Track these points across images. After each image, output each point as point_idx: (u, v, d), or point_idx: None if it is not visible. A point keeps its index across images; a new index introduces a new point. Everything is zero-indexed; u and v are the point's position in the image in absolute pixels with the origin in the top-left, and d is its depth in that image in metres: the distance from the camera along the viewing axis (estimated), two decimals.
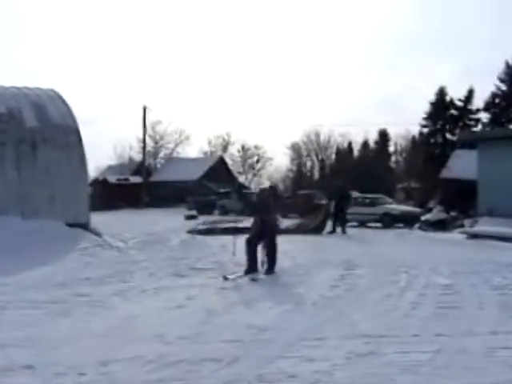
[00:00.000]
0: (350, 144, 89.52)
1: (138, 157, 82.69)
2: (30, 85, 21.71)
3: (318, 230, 24.69)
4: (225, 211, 47.41)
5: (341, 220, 25.20)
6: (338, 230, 24.86)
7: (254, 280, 12.16)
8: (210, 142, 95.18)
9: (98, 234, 18.84)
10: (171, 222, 32.46)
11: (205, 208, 48.04)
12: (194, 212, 43.41)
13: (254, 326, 8.12)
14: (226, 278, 12.19)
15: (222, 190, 53.96)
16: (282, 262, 13.71)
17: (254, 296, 10.72)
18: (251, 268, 12.96)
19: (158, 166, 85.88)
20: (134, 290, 11.17)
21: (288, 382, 5.69)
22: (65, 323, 8.37)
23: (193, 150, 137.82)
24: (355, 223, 31.06)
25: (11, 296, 10.33)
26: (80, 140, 19.90)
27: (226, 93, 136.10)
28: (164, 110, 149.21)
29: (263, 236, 13.30)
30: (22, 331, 7.77)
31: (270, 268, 13.06)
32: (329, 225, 25.18)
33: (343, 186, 29.35)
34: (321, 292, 11.06)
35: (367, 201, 34.42)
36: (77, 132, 19.96)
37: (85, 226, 18.77)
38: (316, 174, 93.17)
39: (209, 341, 7.28)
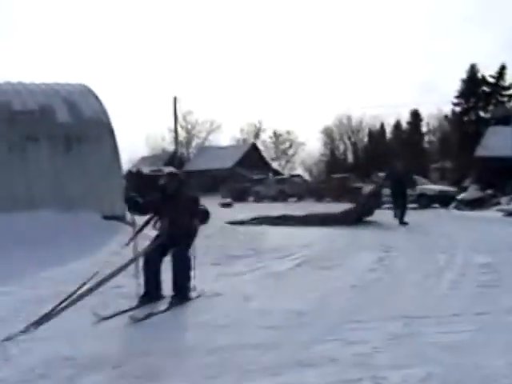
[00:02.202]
0: (382, 126, 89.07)
1: (170, 147, 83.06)
2: (60, 80, 21.86)
3: (363, 215, 21.79)
4: (259, 197, 47.51)
5: (400, 207, 21.44)
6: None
7: (136, 319, 7.84)
8: (241, 130, 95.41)
9: (134, 226, 18.88)
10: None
11: (239, 195, 48.15)
12: (228, 199, 43.48)
13: (293, 310, 8.11)
14: (99, 316, 8.01)
15: (255, 177, 54.07)
16: (318, 245, 13.67)
17: (291, 282, 10.72)
18: (148, 294, 9.00)
19: (191, 155, 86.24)
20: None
21: (329, 366, 5.65)
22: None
23: (225, 138, 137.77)
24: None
25: (50, 289, 10.39)
26: (112, 133, 19.97)
27: (255, 80, 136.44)
28: (194, 100, 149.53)
29: (169, 248, 9.16)
30: (61, 324, 7.81)
31: (181, 294, 8.94)
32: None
33: (401, 167, 24.42)
34: (359, 275, 11.03)
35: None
36: (109, 125, 20.04)
37: (121, 218, 18.83)
38: (350, 158, 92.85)
39: (248, 327, 7.27)
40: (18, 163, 18.11)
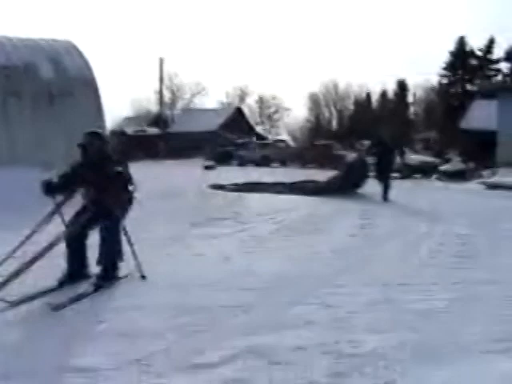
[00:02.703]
0: (368, 94, 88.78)
1: (154, 108, 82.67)
2: (45, 35, 21.71)
3: (346, 185, 19.88)
4: (243, 161, 47.47)
5: (383, 181, 19.01)
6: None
7: (57, 308, 6.52)
8: (227, 94, 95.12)
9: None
10: (189, 172, 32.50)
11: (223, 159, 48.06)
12: (212, 162, 43.42)
13: (272, 273, 8.18)
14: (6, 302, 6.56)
15: (239, 141, 53.95)
16: (299, 211, 13.74)
17: (271, 245, 10.78)
18: (71, 273, 7.77)
19: (175, 117, 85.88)
20: (152, 240, 11.22)
21: (306, 328, 5.71)
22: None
23: (210, 101, 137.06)
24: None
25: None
26: (96, 91, 19.94)
27: (242, 44, 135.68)
28: (180, 62, 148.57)
29: (97, 220, 7.80)
30: None
31: (106, 272, 7.71)
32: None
33: (390, 135, 22.33)
34: (339, 240, 11.11)
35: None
36: (93, 83, 19.96)
37: None
38: (334, 125, 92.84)
39: (228, 288, 7.32)
40: (0, 118, 18.02)
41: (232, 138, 58.97)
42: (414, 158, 33.56)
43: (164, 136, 65.08)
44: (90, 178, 7.85)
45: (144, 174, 23.73)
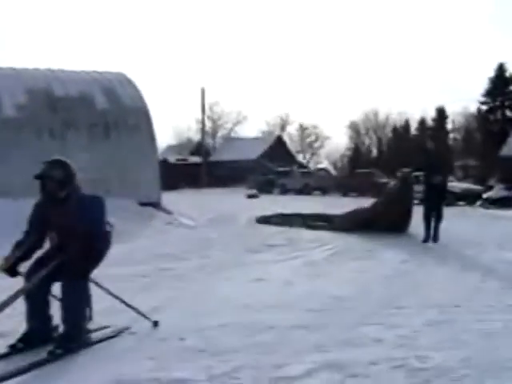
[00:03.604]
0: (406, 121, 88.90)
1: (196, 137, 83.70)
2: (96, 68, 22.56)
3: (395, 226, 16.62)
4: (285, 190, 47.92)
5: (435, 215, 15.33)
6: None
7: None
8: (267, 122, 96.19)
9: (169, 213, 19.50)
10: (234, 200, 33.00)
11: (265, 187, 48.51)
12: (254, 191, 43.86)
13: (333, 295, 8.61)
14: None
15: (281, 169, 54.40)
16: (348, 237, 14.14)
17: (327, 270, 11.20)
18: (31, 332, 6.38)
19: (217, 145, 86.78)
20: (212, 265, 11.72)
21: (374, 346, 6.13)
22: (157, 293, 8.94)
23: (251, 130, 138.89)
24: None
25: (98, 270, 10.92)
26: (149, 121, 20.62)
27: (283, 73, 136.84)
28: (221, 91, 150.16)
29: (59, 270, 6.29)
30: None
31: (66, 337, 6.25)
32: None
33: (439, 155, 18.00)
34: (393, 266, 11.49)
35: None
36: (146, 113, 20.66)
37: (156, 205, 19.43)
38: (374, 152, 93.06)
39: (294, 309, 7.76)
40: (58, 149, 18.66)
41: (273, 167, 59.46)
42: (456, 184, 33.73)
43: (206, 165, 65.75)
44: (53, 219, 6.49)
45: (190, 202, 24.43)
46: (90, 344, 6.41)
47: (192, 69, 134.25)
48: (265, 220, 20.01)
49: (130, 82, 21.35)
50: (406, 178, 17.30)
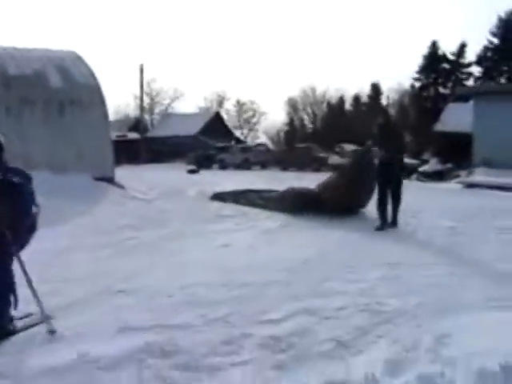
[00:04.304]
0: (341, 97, 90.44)
1: (133, 113, 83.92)
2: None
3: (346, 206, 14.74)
4: (224, 165, 48.70)
5: (392, 195, 13.41)
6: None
7: None
8: (205, 98, 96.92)
9: (121, 187, 20.19)
10: (176, 176, 33.65)
11: (204, 162, 49.16)
12: (194, 166, 44.45)
13: (296, 258, 9.56)
14: None
15: (220, 145, 55.13)
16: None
17: (284, 236, 12.15)
18: None
19: (155, 122, 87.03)
20: (175, 233, 12.57)
21: (340, 296, 7.11)
22: (133, 259, 9.79)
23: (188, 106, 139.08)
24: None
25: (72, 240, 11.70)
26: (102, 98, 21.17)
27: (219, 49, 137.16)
28: (159, 68, 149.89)
29: None
30: (102, 265, 9.19)
31: None
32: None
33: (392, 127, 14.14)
34: (341, 236, 12.42)
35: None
36: (99, 91, 21.21)
37: (110, 180, 20.11)
38: (308, 128, 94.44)
39: (263, 270, 8.68)
40: (15, 125, 19.18)
41: (212, 142, 60.13)
42: None
43: (144, 141, 66.05)
44: None
45: (134, 178, 25.02)
46: (14, 332, 5.90)
47: (129, 45, 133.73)
48: (219, 197, 18.98)
49: (81, 60, 21.81)
50: (365, 152, 15.06)
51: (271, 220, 14.40)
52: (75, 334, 5.81)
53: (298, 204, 15.32)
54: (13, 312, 6.04)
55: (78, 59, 21.92)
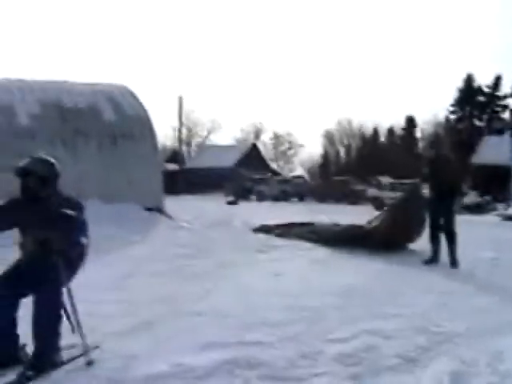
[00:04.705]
0: (375, 130, 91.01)
1: (171, 144, 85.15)
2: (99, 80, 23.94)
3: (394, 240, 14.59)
4: (262, 197, 49.44)
5: (446, 234, 12.88)
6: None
7: None
8: (242, 130, 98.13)
9: (170, 217, 20.93)
10: (216, 207, 34.37)
11: (242, 194, 49.93)
12: (232, 198, 45.23)
13: (348, 284, 10.19)
14: None
15: (258, 176, 55.89)
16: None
17: (333, 265, 12.77)
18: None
19: (192, 153, 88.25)
20: (228, 262, 13.19)
21: (397, 318, 7.70)
22: (196, 284, 10.44)
23: (225, 138, 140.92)
24: None
25: (131, 267, 12.35)
26: (152, 131, 22.05)
27: (257, 82, 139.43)
28: (196, 99, 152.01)
29: (29, 282, 5.77)
30: (167, 290, 9.86)
31: (39, 355, 5.68)
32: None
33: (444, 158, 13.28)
34: (389, 263, 13.02)
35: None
36: (149, 124, 22.09)
37: (160, 210, 20.88)
38: (343, 160, 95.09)
39: (319, 295, 9.29)
40: (70, 157, 20.02)
41: (248, 174, 60.89)
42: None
43: (181, 172, 66.99)
44: (27, 221, 5.89)
45: (176, 208, 25.68)
46: (62, 364, 5.79)
47: (167, 76, 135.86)
48: (263, 229, 18.99)
49: (131, 94, 22.75)
50: (415, 189, 15.06)
51: (318, 251, 14.86)
52: (160, 349, 6.42)
53: (345, 238, 15.39)
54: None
55: (128, 92, 22.80)
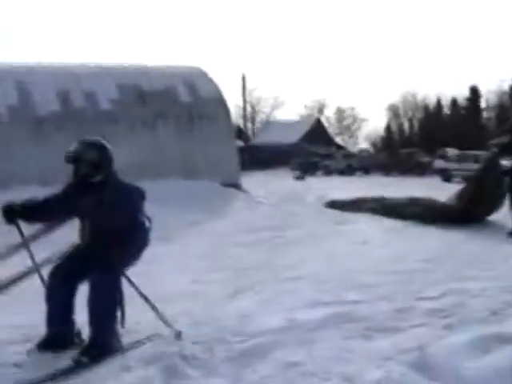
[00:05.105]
0: (439, 101, 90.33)
1: (236, 122, 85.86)
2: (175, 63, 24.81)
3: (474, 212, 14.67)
4: (328, 171, 50.01)
5: None
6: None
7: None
8: (305, 106, 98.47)
9: (247, 192, 21.80)
10: (284, 182, 35.06)
11: (309, 169, 50.50)
12: (299, 173, 45.84)
13: (430, 250, 10.86)
14: None
15: (324, 151, 56.45)
16: None
17: (413, 233, 13.42)
18: (52, 337, 5.75)
19: (256, 130, 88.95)
20: (315, 232, 13.96)
21: (481, 280, 8.31)
22: (288, 253, 11.23)
23: (288, 114, 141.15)
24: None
25: (221, 239, 13.22)
26: (227, 111, 22.93)
27: (319, 57, 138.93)
28: (259, 77, 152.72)
29: (87, 267, 5.70)
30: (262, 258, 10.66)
31: (94, 342, 5.63)
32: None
33: None
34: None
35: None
36: (224, 104, 22.95)
37: (237, 186, 21.77)
38: (406, 133, 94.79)
39: (404, 260, 9.99)
40: (151, 138, 21.02)
41: (313, 149, 61.36)
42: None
43: (247, 149, 67.74)
44: (83, 207, 5.87)
45: (247, 183, 26.45)
46: (119, 351, 5.69)
47: (231, 55, 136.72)
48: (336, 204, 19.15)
49: (205, 75, 23.61)
50: (493, 159, 15.09)
51: (395, 223, 15.46)
52: (269, 308, 7.20)
53: (420, 213, 15.40)
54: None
55: (203, 74, 23.65)
